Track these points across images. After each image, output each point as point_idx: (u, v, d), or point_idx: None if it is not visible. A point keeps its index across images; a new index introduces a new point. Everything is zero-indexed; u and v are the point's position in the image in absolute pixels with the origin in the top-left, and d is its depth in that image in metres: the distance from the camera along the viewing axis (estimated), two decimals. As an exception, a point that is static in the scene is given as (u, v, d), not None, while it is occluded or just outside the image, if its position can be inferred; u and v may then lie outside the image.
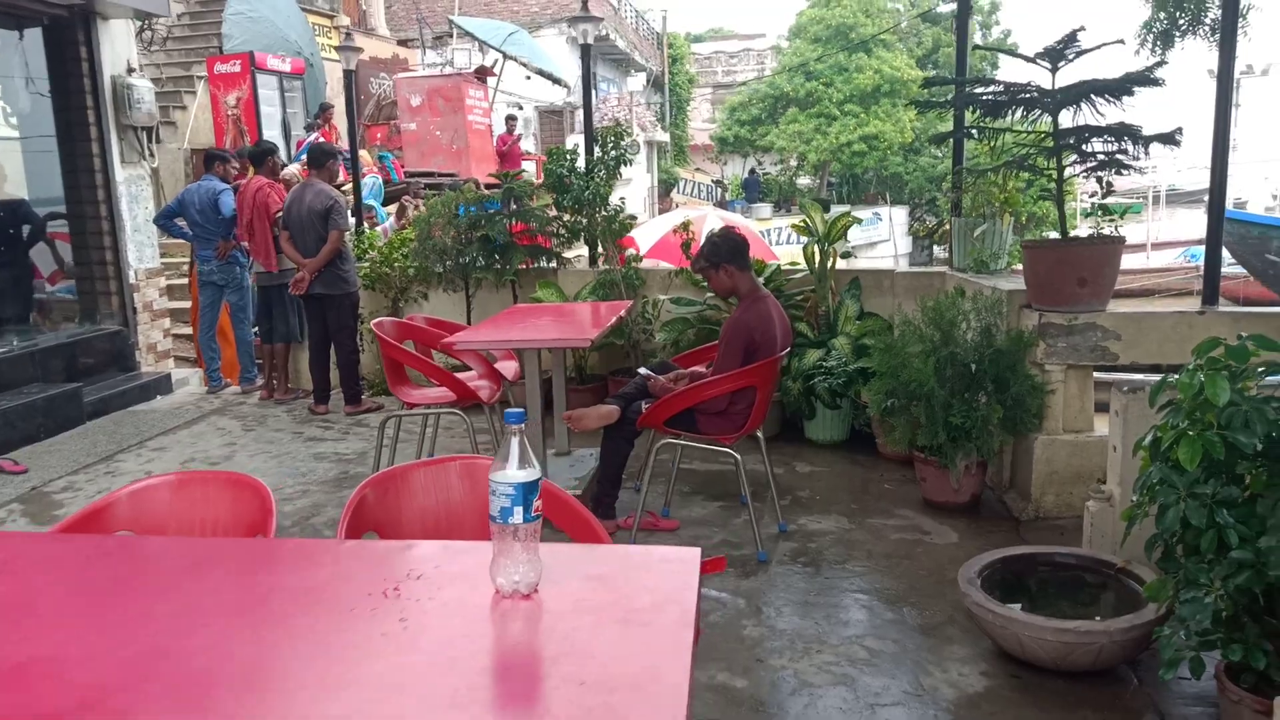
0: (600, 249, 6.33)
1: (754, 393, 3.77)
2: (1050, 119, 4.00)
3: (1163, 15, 6.43)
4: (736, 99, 31.08)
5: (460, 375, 4.83)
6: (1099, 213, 4.12)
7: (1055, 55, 3.92)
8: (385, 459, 4.70)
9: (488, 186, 8.84)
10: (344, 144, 13.01)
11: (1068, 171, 4.08)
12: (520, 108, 24.30)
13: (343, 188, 9.14)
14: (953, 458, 4.14)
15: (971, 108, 4.26)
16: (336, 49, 12.36)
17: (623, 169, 6.33)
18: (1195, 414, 2.24)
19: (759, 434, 4.58)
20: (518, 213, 6.31)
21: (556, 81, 18.51)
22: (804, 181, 31.24)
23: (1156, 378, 2.69)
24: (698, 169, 33.43)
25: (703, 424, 3.87)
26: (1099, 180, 4.11)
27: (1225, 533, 2.18)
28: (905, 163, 27.99)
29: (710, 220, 10.70)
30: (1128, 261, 22.06)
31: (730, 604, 3.42)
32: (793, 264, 5.91)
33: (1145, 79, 3.58)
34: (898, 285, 5.49)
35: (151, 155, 7.54)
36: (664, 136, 28.80)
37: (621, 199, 6.32)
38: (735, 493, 4.53)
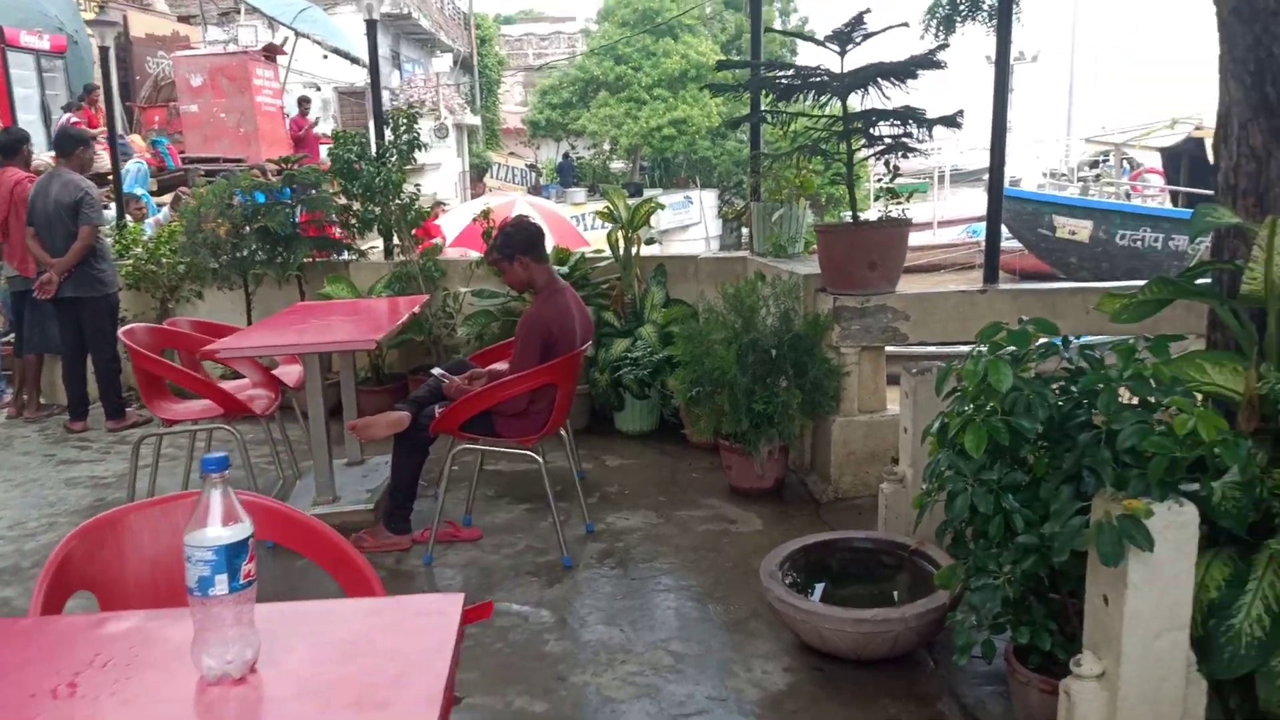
0: (396, 240, 5.95)
1: (554, 391, 3.59)
2: (840, 103, 4.01)
3: (945, 1, 6.68)
4: (547, 82, 30.77)
5: (231, 384, 4.39)
6: (886, 195, 4.20)
7: (843, 39, 3.93)
8: (145, 486, 4.19)
9: (277, 174, 8.21)
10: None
11: (858, 155, 4.12)
12: (318, 89, 23.04)
13: (107, 176, 8.25)
14: (756, 444, 4.11)
15: (766, 92, 4.22)
16: (90, 24, 11.17)
17: (420, 153, 5.97)
18: (980, 400, 2.24)
19: (565, 430, 4.42)
20: (302, 201, 5.83)
21: (355, 61, 17.60)
22: (618, 165, 31.35)
23: (950, 351, 2.74)
24: (511, 153, 32.92)
25: (501, 426, 3.65)
26: (886, 164, 4.18)
27: (1011, 518, 2.18)
28: (713, 147, 28.59)
29: (519, 206, 10.43)
30: (915, 239, 23.55)
31: (533, 618, 3.23)
32: (598, 251, 5.77)
33: (928, 62, 3.64)
34: (702, 271, 5.45)
35: None
36: (475, 120, 28.11)
37: (417, 185, 5.96)
38: (543, 493, 4.34)
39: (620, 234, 5.36)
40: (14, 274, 5.85)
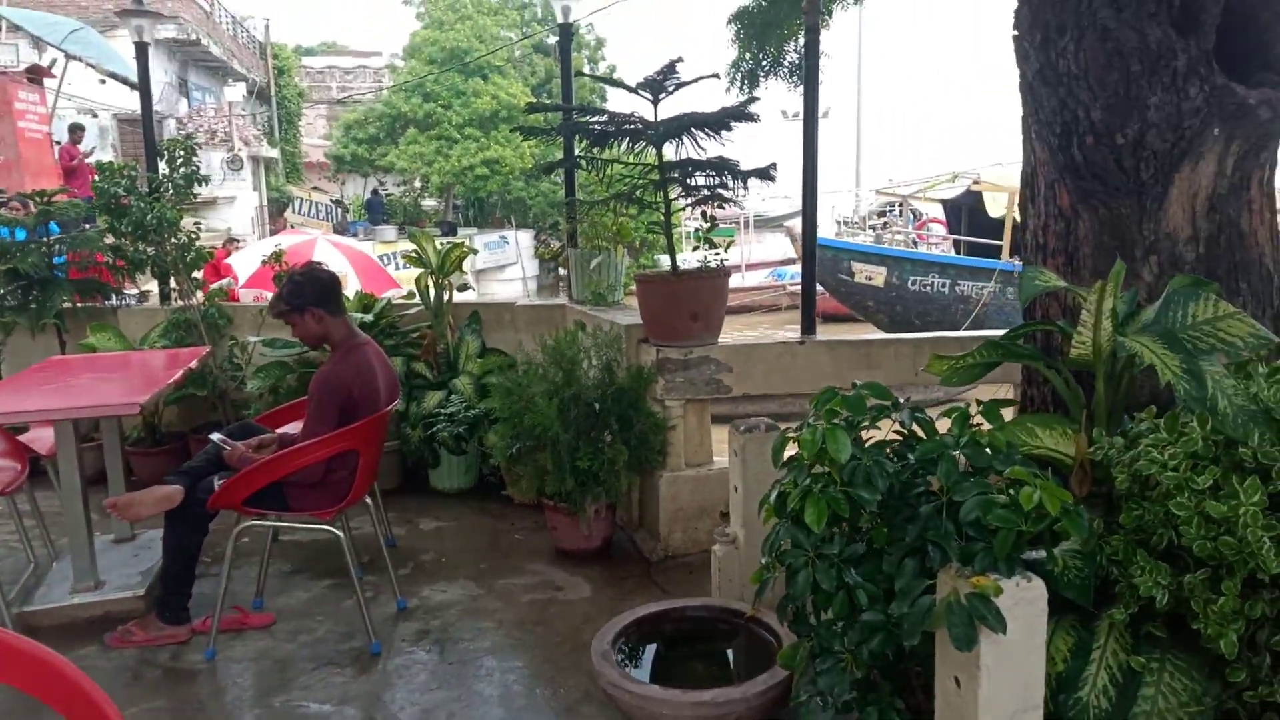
0: (174, 284, 5.34)
1: (356, 458, 3.23)
2: (655, 151, 3.91)
3: (748, 56, 6.81)
4: (353, 116, 29.70)
5: (-36, 455, 3.71)
6: (705, 245, 4.13)
7: (655, 87, 3.84)
8: None
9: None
10: None
11: (674, 204, 4.03)
12: (94, 115, 21.15)
13: None
14: (581, 503, 3.89)
15: (579, 137, 4.07)
16: None
17: (201, 187, 5.41)
18: (817, 469, 2.12)
19: (373, 492, 4.04)
20: (61, 240, 5.14)
21: (134, 86, 16.18)
22: (430, 203, 30.61)
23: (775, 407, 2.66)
24: (315, 188, 31.42)
25: (295, 498, 3.24)
26: (703, 214, 4.11)
27: (855, 593, 2.07)
28: (528, 187, 28.45)
29: (320, 246, 9.81)
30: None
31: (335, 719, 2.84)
32: (408, 297, 5.41)
33: (741, 114, 3.60)
34: (519, 319, 5.21)
35: None
36: (273, 152, 26.64)
37: (197, 224, 5.39)
38: (346, 567, 3.93)
39: (431, 280, 5.03)
40: None
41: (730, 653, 2.94)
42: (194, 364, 3.94)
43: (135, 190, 5.17)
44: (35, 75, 13.67)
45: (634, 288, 4.24)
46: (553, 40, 30.98)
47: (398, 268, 20.96)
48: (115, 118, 22.44)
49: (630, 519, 4.33)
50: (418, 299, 5.25)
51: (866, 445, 2.21)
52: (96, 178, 5.19)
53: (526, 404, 3.93)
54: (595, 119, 3.90)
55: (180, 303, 5.26)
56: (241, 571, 3.92)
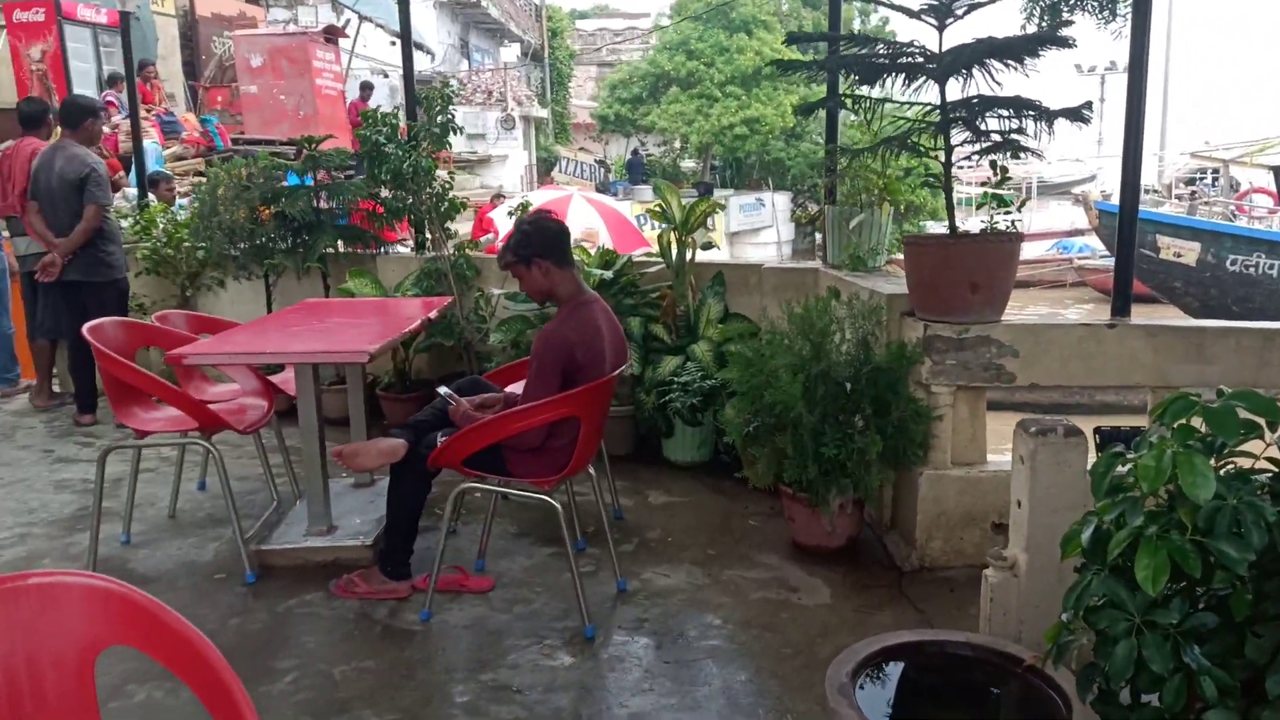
0: (427, 233, 5.38)
1: (577, 425, 2.95)
2: (938, 89, 3.30)
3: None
4: (617, 76, 30.19)
5: (223, 389, 3.86)
6: (992, 202, 3.47)
7: (942, 10, 3.22)
8: (126, 504, 3.69)
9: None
10: (165, 107, 11.59)
11: (958, 153, 3.41)
12: (385, 75, 22.84)
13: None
14: (825, 496, 3.43)
15: (845, 72, 3.53)
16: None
17: (456, 136, 5.40)
18: (1156, 506, 1.54)
19: (603, 459, 3.81)
20: (325, 187, 5.31)
21: (418, 47, 17.20)
22: (688, 164, 30.65)
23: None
24: (581, 148, 32.43)
25: (514, 463, 3.03)
26: (993, 165, 3.46)
27: (1199, 680, 1.49)
28: (787, 148, 27.68)
29: (575, 203, 9.85)
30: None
31: (538, 709, 2.61)
32: (648, 255, 5.12)
33: (1053, 39, 2.91)
34: (766, 282, 4.76)
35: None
36: (543, 112, 27.69)
37: (450, 178, 5.36)
38: (575, 531, 3.73)
39: (673, 236, 4.70)
40: (32, 250, 5.40)
41: (1000, 708, 2.39)
42: (433, 314, 3.85)
43: (395, 138, 5.22)
44: (331, 35, 14.78)
45: (899, 254, 3.68)
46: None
47: (653, 228, 21.16)
48: (446, 85, 24.15)
49: (881, 519, 3.80)
50: (659, 258, 4.95)
51: (1227, 476, 1.59)
52: (360, 126, 5.30)
53: (767, 378, 3.50)
54: (866, 51, 3.34)
55: (431, 253, 5.28)
56: (469, 528, 3.83)
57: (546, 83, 30.09)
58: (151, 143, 9.80)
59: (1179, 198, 20.01)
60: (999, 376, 3.39)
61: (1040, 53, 2.94)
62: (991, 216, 3.42)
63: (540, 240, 3.01)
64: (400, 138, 5.24)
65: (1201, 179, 23.21)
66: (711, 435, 4.59)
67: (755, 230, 26.99)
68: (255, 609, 3.16)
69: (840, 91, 4.09)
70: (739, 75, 26.52)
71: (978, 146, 3.35)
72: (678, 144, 30.21)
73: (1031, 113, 3.04)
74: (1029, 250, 22.47)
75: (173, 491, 4.00)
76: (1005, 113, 3.12)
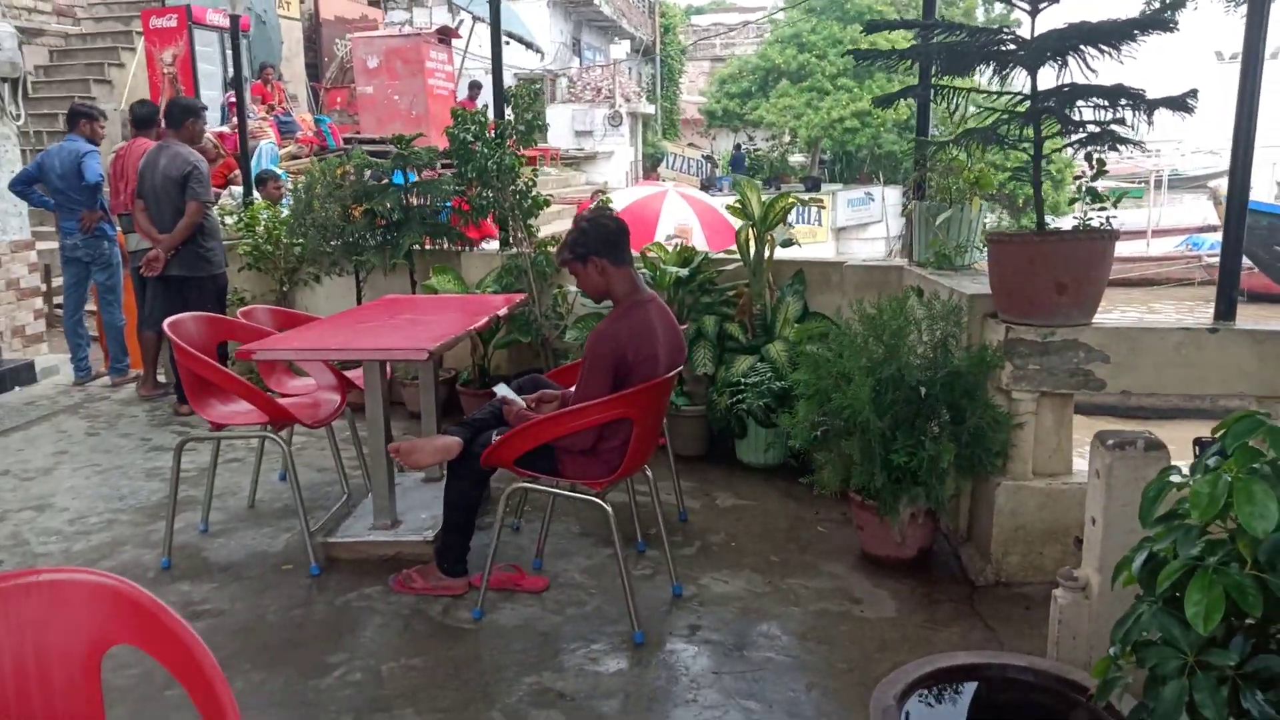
0: (510, 230, 5.41)
1: (630, 427, 2.89)
2: (1028, 76, 3.09)
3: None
4: (726, 70, 29.98)
5: (299, 383, 3.96)
6: (1087, 198, 3.23)
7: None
8: (206, 494, 3.83)
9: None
10: (285, 108, 12.08)
11: (1050, 146, 3.18)
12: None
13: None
14: (894, 505, 3.27)
15: (933, 62, 3.35)
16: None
17: (540, 135, 5.41)
18: (1215, 535, 1.37)
19: (669, 459, 3.75)
20: (417, 184, 5.40)
21: (529, 45, 17.46)
22: (797, 158, 30.19)
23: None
24: (690, 143, 32.34)
25: (566, 464, 3.00)
26: (1088, 157, 3.21)
27: (1259, 733, 1.32)
28: (900, 140, 26.92)
29: (670, 198, 9.79)
30: (1126, 248, 21.18)
31: (576, 716, 2.56)
32: (728, 252, 5.01)
33: (1156, 22, 2.67)
34: (848, 281, 4.59)
35: (16, 112, 6.59)
36: (650, 109, 27.71)
37: (534, 176, 5.37)
38: (642, 532, 3.69)
39: (751, 232, 4.58)
40: (141, 246, 5.70)
41: (1061, 743, 2.22)
42: (502, 312, 3.86)
43: (484, 136, 5.26)
44: (445, 36, 15.13)
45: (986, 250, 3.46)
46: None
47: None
48: (515, 75, 24.56)
49: (956, 529, 3.61)
50: (736, 256, 4.83)
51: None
52: (451, 125, 5.37)
53: (836, 380, 3.36)
54: (949, 35, 3.16)
55: (514, 249, 5.31)
56: (532, 525, 3.82)
57: (657, 79, 30.09)
58: (268, 142, 10.24)
59: None
60: (1086, 383, 3.16)
61: (1139, 37, 2.70)
62: (1085, 212, 3.18)
63: (597, 238, 2.96)
64: (488, 135, 5.28)
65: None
66: (785, 437, 4.46)
67: (863, 225, 26.38)
68: (316, 601, 3.22)
69: (929, 81, 3.90)
70: (851, 68, 25.93)
71: (1073, 138, 3.13)
72: (787, 138, 29.79)
73: (1127, 101, 2.81)
74: (1157, 246, 21.25)
75: (252, 482, 4.14)
76: (1099, 101, 2.88)
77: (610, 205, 5.33)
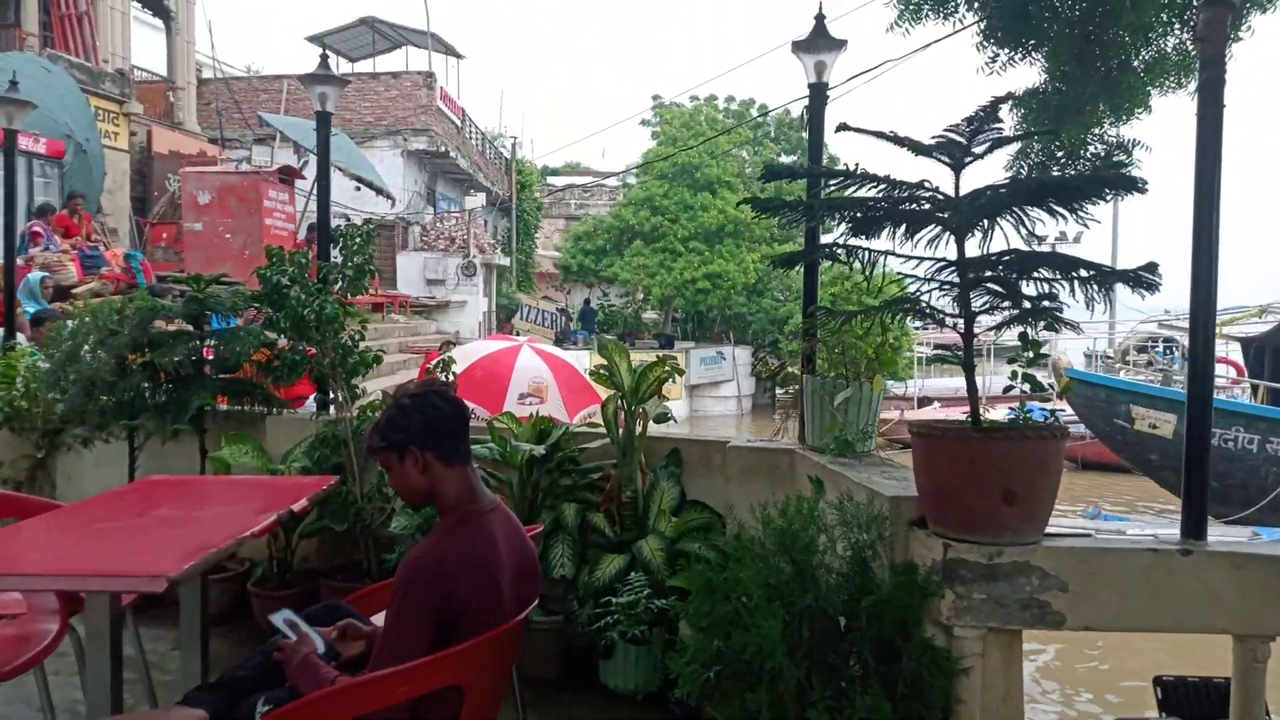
0: (332, 391, 4.52)
1: (460, 697, 2.02)
2: (955, 241, 2.60)
3: (1035, 149, 5.36)
4: (582, 228, 30.38)
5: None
6: (1023, 383, 2.72)
7: (957, 147, 2.55)
8: None
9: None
10: (91, 241, 10.86)
11: (983, 321, 2.67)
12: (347, 220, 22.52)
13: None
14: (811, 777, 2.48)
15: (835, 218, 2.82)
16: None
17: (367, 281, 4.63)
18: None
19: (514, 688, 2.86)
20: (212, 333, 4.48)
21: (379, 191, 16.87)
22: (650, 315, 30.50)
23: None
24: (544, 296, 32.24)
25: (368, 747, 2.07)
26: (1022, 338, 2.72)
27: None
28: (749, 303, 27.67)
29: (524, 354, 9.07)
30: (957, 413, 21.95)
31: None
32: (592, 426, 4.29)
33: (1123, 180, 2.21)
34: (731, 464, 3.93)
35: None
36: (504, 260, 27.48)
37: (362, 329, 4.57)
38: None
39: (621, 404, 3.89)
40: None
41: None
42: (298, 506, 2.94)
43: (302, 280, 4.43)
44: (287, 176, 14.37)
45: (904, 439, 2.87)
46: (786, 159, 30.54)
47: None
48: (367, 222, 23.84)
49: (883, 798, 2.84)
50: (601, 428, 4.12)
51: None
52: (263, 265, 4.53)
53: (735, 611, 2.61)
54: (865, 186, 2.64)
55: (331, 415, 4.42)
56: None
57: (513, 232, 30.08)
58: (36, 273, 9.01)
59: (1131, 363, 19.90)
60: (1043, 618, 2.53)
61: (1107, 196, 2.23)
62: (1021, 405, 2.65)
63: (422, 423, 2.17)
64: (308, 279, 4.46)
65: (1154, 347, 23.19)
66: (661, 656, 3.64)
67: (715, 384, 26.58)
68: None
69: (819, 241, 3.42)
70: (702, 231, 26.73)
71: (998, 317, 2.63)
72: (640, 295, 30.15)
73: (1087, 274, 2.32)
74: (995, 415, 22.02)
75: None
76: (1048, 274, 2.39)
77: (452, 366, 4.55)
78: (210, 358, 4.50)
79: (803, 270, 3.91)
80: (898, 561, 2.71)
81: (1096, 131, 6.08)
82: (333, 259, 4.73)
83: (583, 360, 13.39)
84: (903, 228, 2.69)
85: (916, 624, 2.58)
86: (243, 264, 13.77)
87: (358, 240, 4.56)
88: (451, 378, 4.32)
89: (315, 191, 16.36)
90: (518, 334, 22.90)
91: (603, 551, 3.73)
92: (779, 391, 29.46)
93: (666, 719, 3.46)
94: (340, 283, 4.47)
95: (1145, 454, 12.45)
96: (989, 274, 2.47)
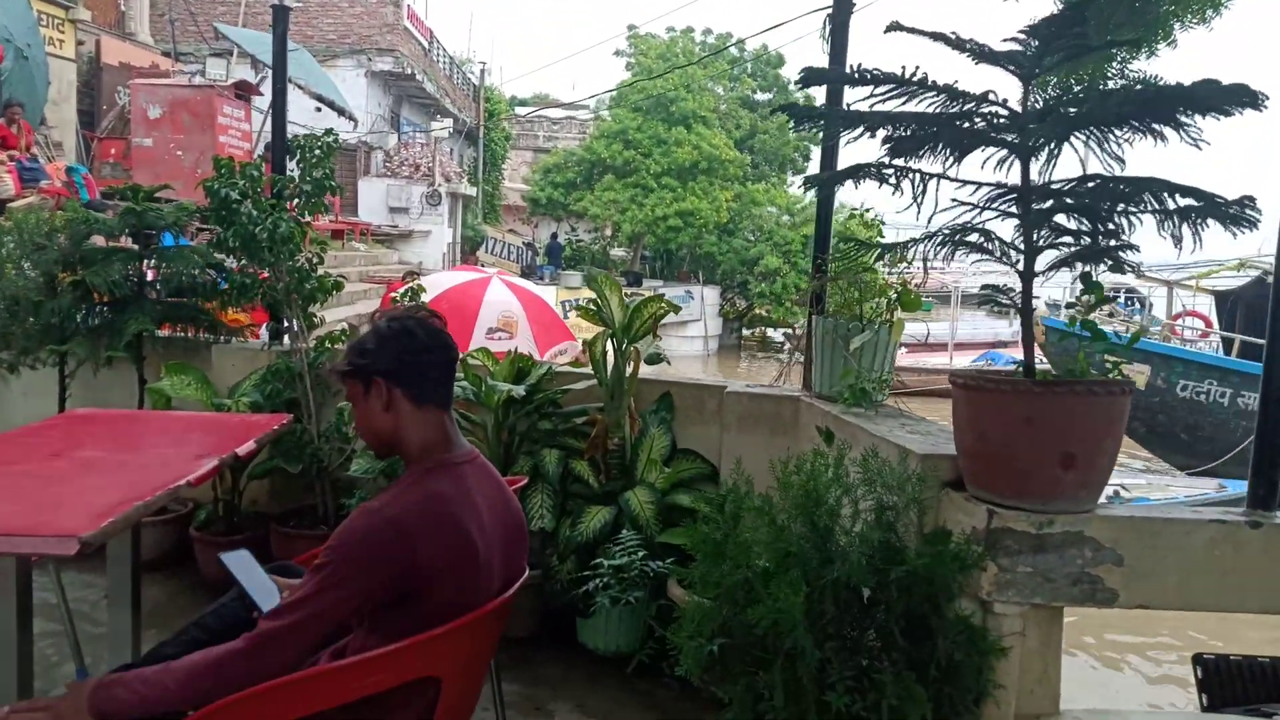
0: (286, 320, 4.10)
1: (435, 690, 1.68)
2: (1020, 164, 2.24)
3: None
4: (552, 160, 29.57)
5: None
6: (1080, 331, 2.41)
7: (1034, 56, 2.19)
8: None
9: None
10: (32, 153, 10.14)
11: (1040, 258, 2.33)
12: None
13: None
14: (829, 767, 2.20)
15: (873, 132, 2.44)
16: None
17: (334, 196, 4.19)
18: None
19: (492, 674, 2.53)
20: (153, 252, 4.02)
21: (341, 112, 16.06)
22: (618, 252, 29.96)
23: None
24: (510, 230, 31.51)
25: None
26: (1085, 279, 2.40)
27: None
28: (719, 243, 27.21)
29: (494, 285, 8.65)
30: (933, 360, 21.96)
31: None
32: (574, 364, 3.92)
33: (1247, 91, 1.85)
34: (729, 411, 3.59)
35: None
36: (471, 190, 26.70)
37: (321, 250, 4.13)
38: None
39: (610, 344, 3.53)
40: None
41: None
42: (244, 448, 2.56)
43: (254, 195, 3.97)
44: (244, 91, 13.58)
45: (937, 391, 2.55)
46: (762, 96, 29.83)
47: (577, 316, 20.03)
48: (329, 133, 22.90)
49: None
50: (588, 368, 3.76)
51: None
52: (209, 177, 4.05)
53: (746, 580, 2.29)
54: (922, 94, 2.26)
55: (286, 345, 4.00)
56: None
57: (480, 162, 29.20)
58: None
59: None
60: (1094, 595, 2.25)
61: (1230, 109, 1.87)
62: (1081, 355, 2.33)
63: (394, 352, 1.78)
64: (261, 195, 4.00)
65: (1115, 298, 23.26)
66: (643, 613, 3.33)
67: (683, 323, 26.26)
68: None
69: (837, 161, 3.03)
70: (676, 168, 26.11)
71: (1067, 254, 2.29)
72: (609, 231, 29.58)
73: (1183, 204, 1.97)
74: (959, 360, 22.05)
75: None
76: (1132, 207, 2.04)
77: (422, 296, 4.15)
78: (153, 279, 4.05)
79: (814, 204, 3.54)
80: (928, 527, 2.40)
81: (1116, 66, 5.73)
82: (289, 173, 4.26)
83: (549, 296, 12.97)
84: (955, 149, 2.33)
85: (949, 598, 2.29)
86: (194, 182, 13.08)
87: (317, 152, 4.09)
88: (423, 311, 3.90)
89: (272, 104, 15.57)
90: (483, 266, 22.32)
91: (586, 503, 3.40)
92: (744, 332, 29.28)
93: (649, 683, 3.17)
94: (298, 199, 4.01)
95: (1117, 406, 12.37)
96: (1067, 203, 2.11)
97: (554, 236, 28.64)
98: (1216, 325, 15.30)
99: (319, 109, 18.21)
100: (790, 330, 26.42)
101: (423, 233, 23.18)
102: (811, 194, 2.61)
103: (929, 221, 2.38)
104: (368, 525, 1.63)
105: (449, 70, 28.52)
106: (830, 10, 3.50)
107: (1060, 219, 2.30)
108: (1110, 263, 2.32)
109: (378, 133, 23.44)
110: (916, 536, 2.40)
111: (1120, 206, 2.09)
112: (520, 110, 38.52)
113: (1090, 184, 2.09)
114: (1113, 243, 2.25)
